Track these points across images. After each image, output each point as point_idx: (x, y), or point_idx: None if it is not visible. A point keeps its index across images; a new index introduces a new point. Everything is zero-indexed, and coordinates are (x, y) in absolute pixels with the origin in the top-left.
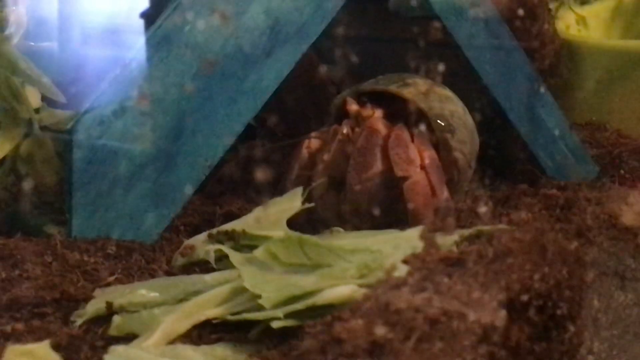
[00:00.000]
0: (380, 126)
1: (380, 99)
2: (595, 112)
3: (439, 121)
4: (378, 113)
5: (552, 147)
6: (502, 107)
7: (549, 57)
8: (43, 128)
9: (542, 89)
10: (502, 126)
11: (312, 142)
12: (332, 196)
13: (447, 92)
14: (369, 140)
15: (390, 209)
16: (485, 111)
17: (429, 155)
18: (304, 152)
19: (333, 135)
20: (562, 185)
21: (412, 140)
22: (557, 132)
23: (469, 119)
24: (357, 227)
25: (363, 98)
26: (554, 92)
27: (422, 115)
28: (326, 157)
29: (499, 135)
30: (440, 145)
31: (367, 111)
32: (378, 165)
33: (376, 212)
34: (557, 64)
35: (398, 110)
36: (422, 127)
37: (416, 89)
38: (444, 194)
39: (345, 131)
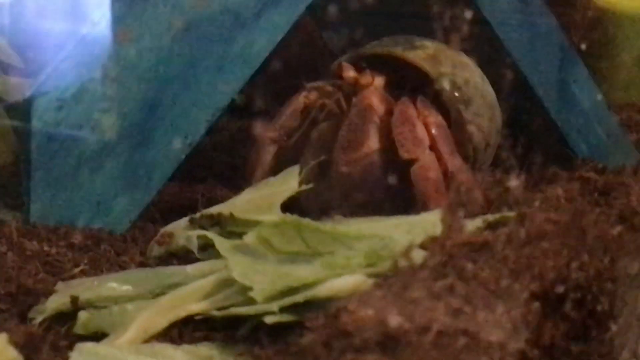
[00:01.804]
0: (376, 99)
1: (385, 64)
2: (636, 90)
3: (449, 89)
4: (378, 81)
5: (587, 129)
6: (529, 82)
7: (584, 27)
8: None
9: (576, 63)
10: (529, 104)
11: (311, 95)
12: (320, 180)
13: (463, 58)
14: (361, 115)
15: (389, 196)
16: (510, 86)
17: (435, 121)
18: (301, 101)
19: (328, 95)
20: (600, 168)
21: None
22: (592, 112)
23: (488, 90)
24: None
25: (363, 63)
26: (590, 66)
27: (430, 83)
28: (315, 133)
29: (526, 113)
30: (452, 117)
31: (366, 78)
32: (370, 144)
33: (369, 198)
34: (593, 34)
35: (405, 78)
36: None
37: (425, 52)
38: (457, 164)
39: (337, 99)
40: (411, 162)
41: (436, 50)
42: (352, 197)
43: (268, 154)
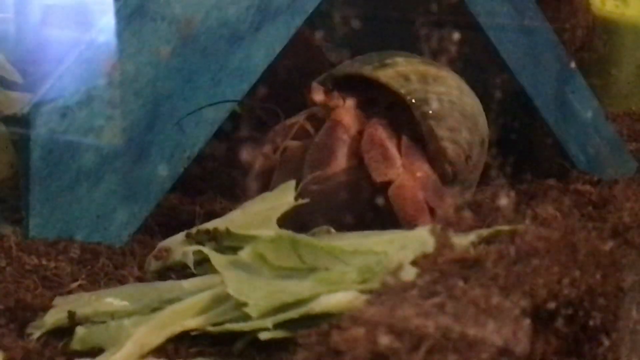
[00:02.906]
0: (347, 117)
1: (360, 83)
2: (634, 99)
3: (419, 107)
4: (349, 102)
5: (585, 139)
6: (527, 92)
7: (582, 37)
8: None
9: (574, 73)
10: (527, 114)
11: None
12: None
13: (439, 71)
14: (329, 135)
15: (361, 214)
16: (507, 97)
17: (420, 167)
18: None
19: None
20: (595, 180)
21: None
22: (590, 122)
23: (467, 101)
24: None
25: (337, 84)
26: (587, 76)
27: (402, 101)
28: (286, 152)
29: (524, 124)
30: (425, 135)
31: (335, 101)
32: (339, 163)
33: (339, 216)
34: (591, 44)
35: (378, 97)
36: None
37: (395, 69)
38: (445, 205)
39: (303, 124)
40: (386, 184)
41: (408, 66)
42: (322, 215)
43: (260, 169)
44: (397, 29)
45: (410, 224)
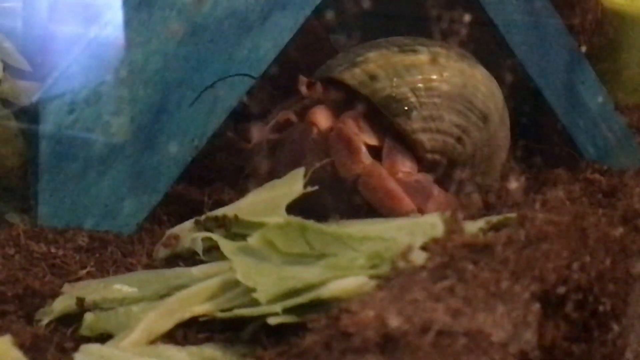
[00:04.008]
0: (321, 117)
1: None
2: None
3: (385, 105)
4: (334, 95)
5: (593, 131)
6: (536, 84)
7: (592, 28)
8: (4, 102)
9: (583, 64)
10: (535, 106)
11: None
12: None
13: (415, 57)
14: (301, 134)
15: (336, 209)
16: (516, 88)
17: (402, 167)
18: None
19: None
20: (605, 170)
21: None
22: (599, 114)
23: (455, 83)
24: None
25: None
26: (597, 68)
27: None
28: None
29: (532, 115)
30: (399, 131)
31: (315, 92)
32: (309, 162)
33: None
34: (600, 36)
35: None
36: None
37: (363, 68)
38: (433, 205)
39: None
40: (355, 178)
41: (380, 60)
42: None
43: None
44: (405, 18)
45: (392, 214)
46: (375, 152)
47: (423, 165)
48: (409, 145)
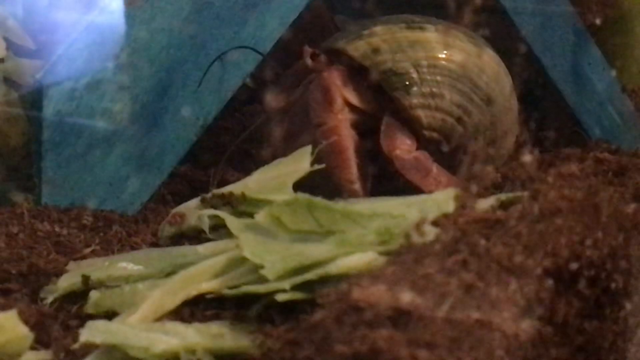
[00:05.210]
0: (318, 91)
1: None
2: None
3: (386, 79)
4: (336, 69)
5: (600, 112)
6: (542, 63)
7: (598, 7)
8: (8, 81)
9: (590, 44)
10: (542, 86)
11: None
12: None
13: (422, 34)
14: (315, 91)
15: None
16: (522, 68)
17: (401, 144)
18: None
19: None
20: (614, 149)
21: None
22: (605, 95)
23: (459, 62)
24: None
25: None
26: (604, 48)
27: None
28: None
29: (539, 96)
30: (398, 106)
31: (321, 65)
32: (308, 138)
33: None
34: (608, 15)
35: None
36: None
37: (367, 41)
38: (431, 181)
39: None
40: (318, 126)
41: (385, 34)
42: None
43: (277, 124)
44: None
45: (332, 176)
46: (362, 121)
47: (422, 143)
48: (407, 121)
